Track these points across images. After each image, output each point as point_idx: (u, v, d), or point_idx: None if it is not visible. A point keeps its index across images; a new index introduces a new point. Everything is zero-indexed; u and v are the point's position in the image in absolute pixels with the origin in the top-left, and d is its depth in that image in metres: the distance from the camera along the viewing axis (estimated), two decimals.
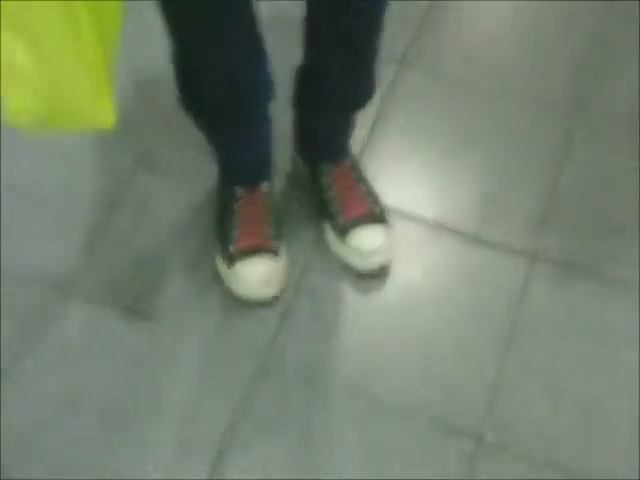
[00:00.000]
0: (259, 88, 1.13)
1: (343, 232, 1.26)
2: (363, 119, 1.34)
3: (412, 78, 1.51)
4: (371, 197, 1.29)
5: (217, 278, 1.25)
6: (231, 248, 1.23)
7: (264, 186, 1.27)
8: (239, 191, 1.25)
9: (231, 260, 1.23)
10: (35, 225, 1.31)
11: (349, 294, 1.26)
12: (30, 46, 0.74)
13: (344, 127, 1.29)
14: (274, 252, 1.23)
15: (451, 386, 1.17)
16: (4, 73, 0.76)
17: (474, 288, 1.26)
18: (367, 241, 1.25)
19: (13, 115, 0.79)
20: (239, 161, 1.24)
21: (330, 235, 1.29)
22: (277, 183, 1.32)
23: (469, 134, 1.44)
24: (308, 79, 1.23)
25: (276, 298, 1.23)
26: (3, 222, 1.30)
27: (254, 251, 1.22)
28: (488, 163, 1.40)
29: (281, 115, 1.23)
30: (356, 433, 1.14)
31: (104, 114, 0.81)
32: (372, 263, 1.26)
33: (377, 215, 1.27)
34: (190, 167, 1.36)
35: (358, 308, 1.25)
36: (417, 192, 1.37)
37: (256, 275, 1.22)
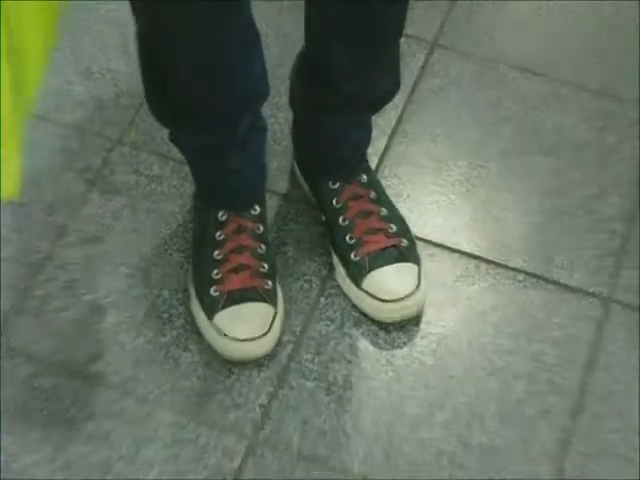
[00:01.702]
0: (248, 82, 0.98)
1: (359, 271, 1.09)
2: (383, 119, 1.21)
3: (445, 64, 1.32)
4: (395, 224, 1.11)
5: (191, 329, 1.07)
6: (212, 291, 1.06)
7: (255, 209, 1.10)
8: (222, 215, 1.08)
9: (212, 308, 1.05)
10: None
11: (366, 352, 1.08)
12: None
13: (357, 132, 1.14)
14: (269, 295, 1.07)
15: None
16: None
17: (526, 340, 1.08)
18: (391, 285, 1.09)
19: None
20: (225, 179, 1.08)
21: (341, 274, 1.11)
22: (271, 206, 1.17)
23: (519, 138, 1.25)
24: (311, 70, 1.07)
25: (269, 357, 1.05)
26: None
27: (242, 294, 1.06)
28: (542, 182, 1.21)
29: (277, 120, 1.19)
30: None
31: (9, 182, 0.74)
32: (397, 312, 1.09)
33: (403, 249, 1.10)
34: (153, 187, 1.20)
35: (378, 369, 1.06)
36: (452, 216, 1.19)
37: (246, 327, 1.05)
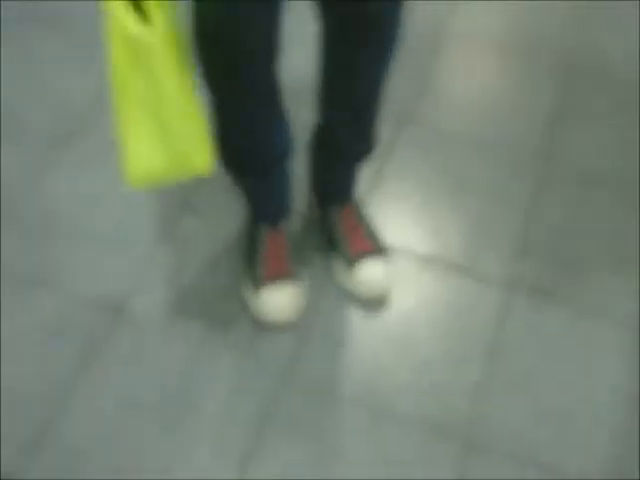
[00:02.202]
0: (283, 145, 1.34)
1: (349, 264, 1.44)
2: (367, 167, 1.58)
3: (409, 134, 1.73)
4: (373, 234, 1.48)
5: (245, 305, 1.44)
6: (257, 277, 1.41)
7: (284, 223, 1.46)
8: (264, 229, 1.44)
9: (257, 286, 1.40)
10: (98, 256, 1.52)
11: (355, 318, 1.45)
12: (155, 119, 0.99)
13: (350, 176, 1.49)
14: (294, 279, 1.42)
15: (442, 394, 1.36)
16: (131, 140, 1.01)
17: (460, 312, 1.46)
18: (370, 272, 1.43)
19: (134, 176, 1.04)
20: (264, 204, 1.44)
21: (338, 267, 1.48)
22: (295, 221, 1.53)
23: (457, 181, 1.66)
24: (320, 136, 1.43)
25: (295, 319, 1.41)
26: (68, 252, 1.52)
27: (277, 278, 1.40)
28: (472, 206, 1.63)
29: (297, 165, 1.45)
30: (362, 437, 1.31)
31: (206, 161, 1.05)
32: (374, 291, 1.45)
33: (377, 250, 1.46)
34: (223, 208, 1.58)
35: (363, 330, 1.44)
36: (411, 230, 1.58)
37: (279, 299, 1.39)
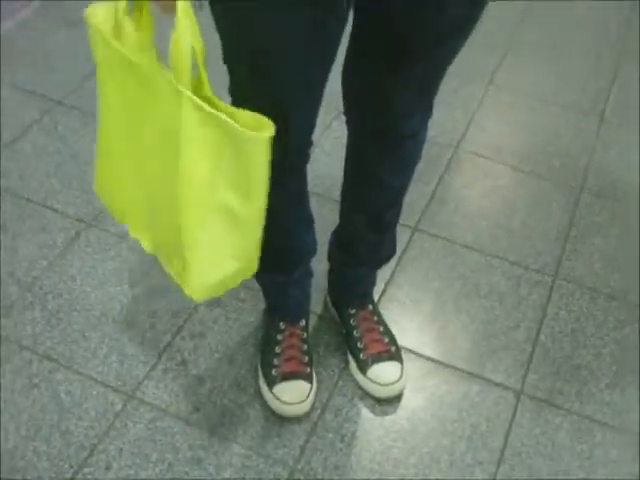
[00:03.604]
0: (308, 244, 1.41)
1: (364, 365, 1.49)
2: (382, 273, 1.64)
3: (422, 242, 1.82)
4: (388, 338, 1.53)
5: (258, 396, 1.49)
6: (273, 372, 1.45)
7: (302, 322, 1.51)
8: (282, 325, 1.50)
9: (272, 382, 1.45)
10: (113, 338, 1.58)
11: (367, 416, 1.49)
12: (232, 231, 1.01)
13: (367, 279, 1.57)
14: (308, 377, 1.46)
15: None
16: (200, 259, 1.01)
17: (467, 415, 1.51)
18: (384, 375, 1.48)
19: (197, 291, 1.03)
20: (285, 301, 1.50)
21: (353, 366, 1.52)
22: (312, 320, 1.59)
23: (467, 290, 1.73)
24: (340, 241, 1.50)
25: (307, 415, 1.46)
26: (85, 332, 1.57)
27: (292, 375, 1.44)
28: (481, 314, 1.69)
29: (315, 265, 1.51)
30: None
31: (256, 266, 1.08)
32: (387, 392, 1.49)
33: (393, 353, 1.51)
34: (237, 304, 1.64)
35: (374, 428, 1.48)
36: (421, 334, 1.64)
37: (292, 396, 1.43)
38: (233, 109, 0.93)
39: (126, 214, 1.17)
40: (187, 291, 1.04)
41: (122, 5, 0.96)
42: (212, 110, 0.91)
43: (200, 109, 0.91)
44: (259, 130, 0.91)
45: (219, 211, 0.97)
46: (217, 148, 0.93)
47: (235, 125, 0.90)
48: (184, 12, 0.88)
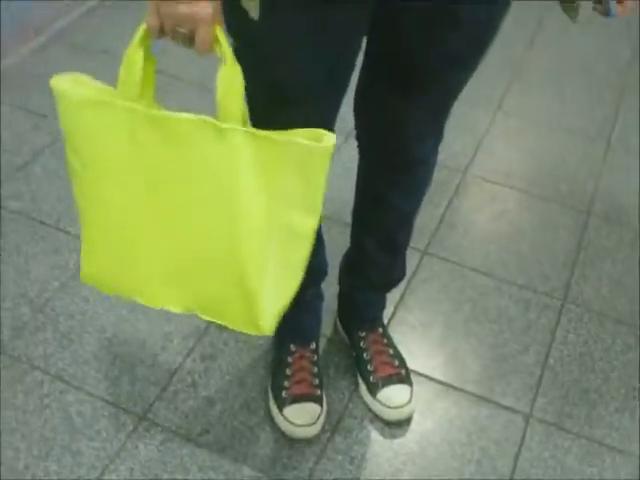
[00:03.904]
0: (319, 267, 1.42)
1: (374, 388, 1.49)
2: (392, 295, 1.65)
3: (432, 266, 1.84)
4: (398, 360, 1.54)
5: (269, 418, 1.49)
6: (283, 394, 1.46)
7: (313, 345, 1.52)
8: (292, 347, 1.51)
9: (282, 404, 1.45)
10: (124, 360, 1.59)
11: (376, 439, 1.50)
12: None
13: (378, 302, 1.58)
14: (318, 399, 1.47)
15: None
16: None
17: (476, 438, 1.51)
18: (394, 398, 1.48)
19: (271, 322, 1.03)
20: (295, 323, 1.48)
21: (363, 389, 1.53)
22: (322, 343, 1.60)
23: (476, 313, 1.74)
24: (351, 264, 1.51)
25: (317, 437, 1.46)
26: (96, 354, 1.58)
27: (302, 398, 1.44)
28: (490, 337, 1.70)
29: (325, 288, 1.53)
30: None
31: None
32: (397, 415, 1.50)
33: (403, 376, 1.51)
34: None
35: (383, 450, 1.48)
36: (430, 358, 1.65)
37: (302, 418, 1.43)
38: (280, 132, 0.92)
39: (142, 286, 1.06)
40: (259, 328, 1.02)
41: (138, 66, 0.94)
42: (269, 133, 0.90)
43: (255, 137, 0.90)
44: (320, 141, 0.91)
45: (280, 234, 0.96)
46: (275, 173, 0.92)
47: (301, 141, 0.90)
48: (230, 53, 0.89)
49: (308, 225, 0.96)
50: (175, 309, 1.05)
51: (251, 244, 0.95)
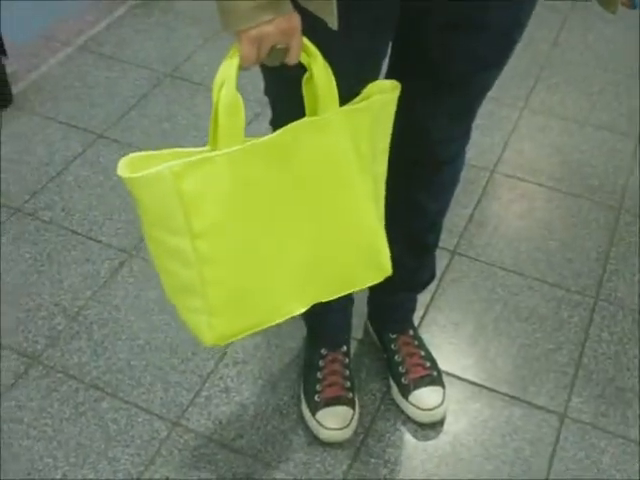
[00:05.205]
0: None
1: (406, 390, 1.50)
2: (422, 296, 1.65)
3: (462, 265, 1.83)
4: (429, 362, 1.54)
5: (301, 421, 1.50)
6: (316, 398, 1.47)
7: (344, 348, 1.53)
8: (324, 351, 1.51)
9: (315, 408, 1.46)
10: (157, 366, 1.60)
11: (409, 441, 1.50)
12: None
13: (408, 303, 1.58)
14: (350, 402, 1.47)
15: None
16: None
17: (510, 439, 1.51)
18: (426, 399, 1.49)
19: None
20: (327, 328, 1.52)
21: (395, 391, 1.53)
22: (353, 346, 1.61)
23: (507, 313, 1.73)
24: None
25: (350, 440, 1.47)
26: (130, 360, 1.60)
27: (334, 401, 1.46)
28: (523, 337, 1.69)
29: (355, 293, 1.46)
30: None
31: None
32: (429, 417, 1.50)
33: (434, 378, 1.51)
34: (278, 330, 1.65)
35: (417, 453, 1.48)
36: (462, 358, 1.65)
37: (335, 421, 1.44)
38: (358, 98, 1.02)
39: (273, 309, 1.05)
40: (386, 270, 1.13)
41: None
42: (354, 105, 0.99)
43: (346, 113, 0.98)
44: (387, 90, 1.02)
45: (376, 181, 1.07)
46: (366, 133, 1.01)
47: (379, 97, 1.00)
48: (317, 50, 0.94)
49: (384, 167, 1.09)
50: (302, 310, 1.07)
51: (368, 202, 1.04)
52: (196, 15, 2.57)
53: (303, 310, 1.06)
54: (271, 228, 0.99)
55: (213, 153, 0.92)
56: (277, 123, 1.03)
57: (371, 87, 1.02)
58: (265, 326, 1.04)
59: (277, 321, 1.05)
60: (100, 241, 1.86)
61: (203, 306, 0.99)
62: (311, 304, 1.08)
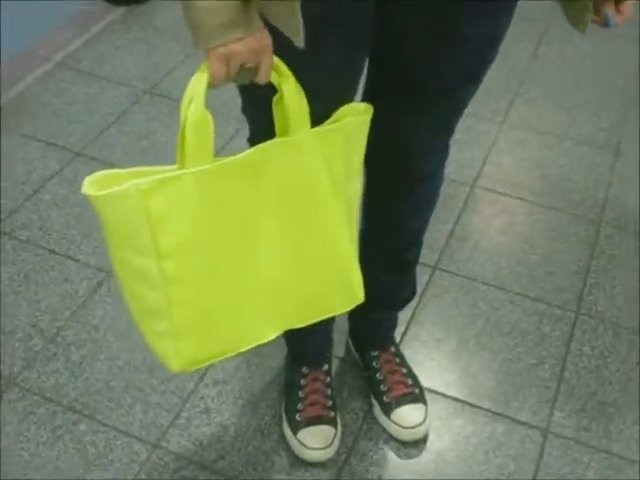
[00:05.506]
0: None
1: (388, 408, 1.49)
2: (404, 313, 1.64)
3: (443, 281, 1.83)
4: (411, 379, 1.53)
5: (283, 440, 1.49)
6: (297, 417, 1.46)
7: (325, 366, 1.52)
8: (305, 369, 1.50)
9: (296, 427, 1.45)
10: (136, 387, 1.58)
11: (392, 460, 1.49)
12: None
13: (389, 321, 1.57)
14: (332, 421, 1.46)
15: None
16: None
17: (493, 455, 1.50)
18: (408, 417, 1.48)
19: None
20: (308, 347, 1.51)
21: (377, 409, 1.52)
22: (334, 364, 1.59)
23: (489, 328, 1.73)
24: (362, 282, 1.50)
25: (332, 460, 1.45)
26: (108, 382, 1.58)
27: (316, 420, 1.45)
28: (504, 352, 1.69)
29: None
30: None
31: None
32: (412, 435, 1.49)
33: (416, 395, 1.51)
34: (259, 349, 1.62)
35: (400, 471, 1.47)
36: (443, 374, 1.64)
37: (317, 441, 1.43)
38: (330, 121, 1.01)
39: (243, 335, 1.03)
40: (358, 297, 1.12)
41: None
42: (326, 126, 0.99)
43: (318, 134, 0.98)
44: (360, 112, 1.02)
45: (350, 204, 1.07)
46: (337, 155, 1.00)
47: (352, 120, 1.00)
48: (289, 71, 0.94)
49: (358, 188, 1.09)
50: (272, 336, 1.05)
51: (342, 226, 1.03)
52: (176, 30, 2.55)
53: (275, 336, 1.05)
54: (240, 249, 0.97)
55: (181, 171, 0.91)
56: (254, 141, 1.01)
57: (344, 109, 1.02)
58: (235, 352, 1.02)
59: (248, 347, 1.03)
60: (78, 260, 1.84)
61: (169, 329, 0.97)
62: (283, 330, 1.07)
